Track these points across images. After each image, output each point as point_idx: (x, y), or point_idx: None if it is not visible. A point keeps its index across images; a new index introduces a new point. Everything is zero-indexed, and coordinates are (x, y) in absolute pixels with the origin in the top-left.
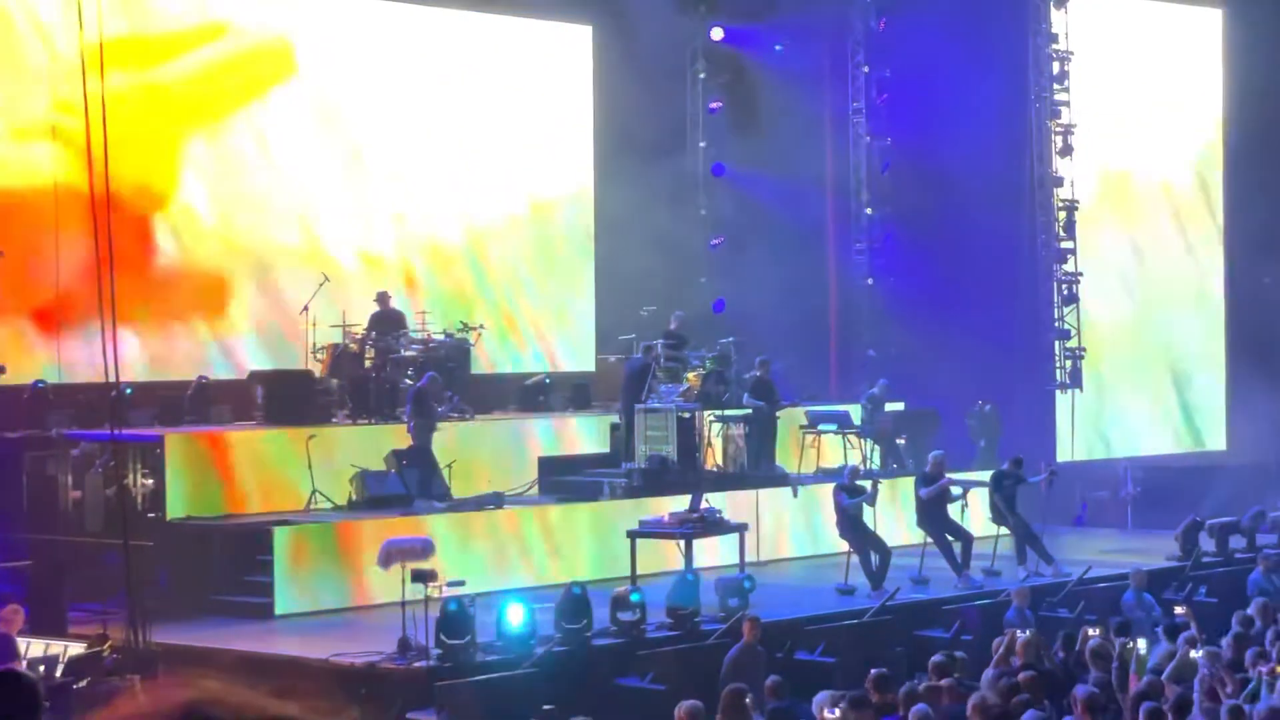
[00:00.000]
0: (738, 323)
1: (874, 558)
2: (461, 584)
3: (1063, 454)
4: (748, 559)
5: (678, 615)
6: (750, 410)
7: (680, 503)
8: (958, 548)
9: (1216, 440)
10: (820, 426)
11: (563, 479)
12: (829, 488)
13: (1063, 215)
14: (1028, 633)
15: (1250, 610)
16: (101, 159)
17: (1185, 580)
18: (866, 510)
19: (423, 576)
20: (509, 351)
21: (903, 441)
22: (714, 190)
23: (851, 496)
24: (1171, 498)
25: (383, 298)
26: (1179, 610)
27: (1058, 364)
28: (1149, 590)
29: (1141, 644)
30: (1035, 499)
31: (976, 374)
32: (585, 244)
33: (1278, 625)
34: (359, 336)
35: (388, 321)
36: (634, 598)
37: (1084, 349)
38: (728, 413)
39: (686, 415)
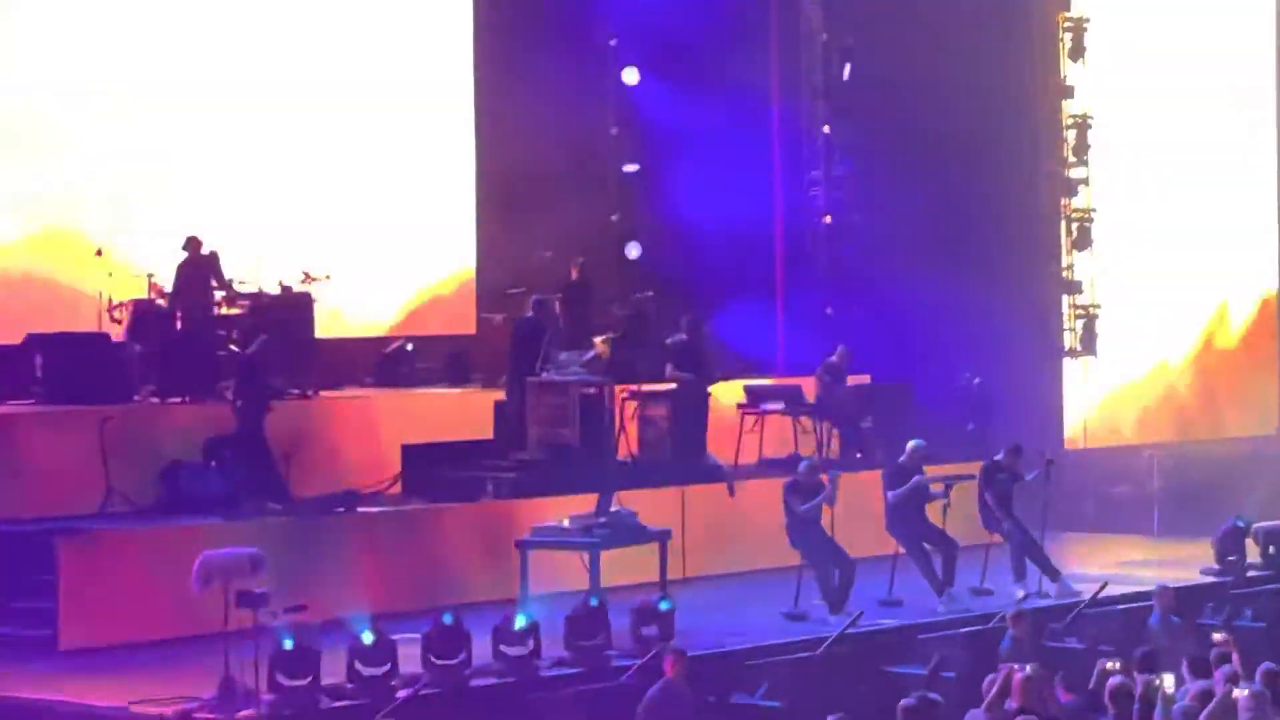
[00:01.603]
0: (658, 272)
1: (834, 574)
2: (302, 609)
3: (1073, 439)
4: (671, 575)
5: (580, 648)
6: (675, 384)
7: (585, 503)
8: (939, 560)
9: (1265, 423)
10: (764, 405)
11: (433, 473)
12: (776, 484)
13: (1072, 135)
14: (1028, 668)
15: None
16: None
17: (1225, 600)
18: (824, 513)
19: (252, 600)
20: (363, 309)
21: (868, 424)
22: (627, 102)
23: (805, 496)
24: (1208, 495)
25: (193, 242)
26: (1217, 638)
27: (1066, 325)
28: (1179, 613)
29: (1169, 680)
30: (1035, 498)
31: (963, 339)
32: (463, 170)
33: None
34: (169, 291)
35: (201, 272)
36: (523, 626)
37: (1099, 306)
38: (646, 387)
39: (592, 390)
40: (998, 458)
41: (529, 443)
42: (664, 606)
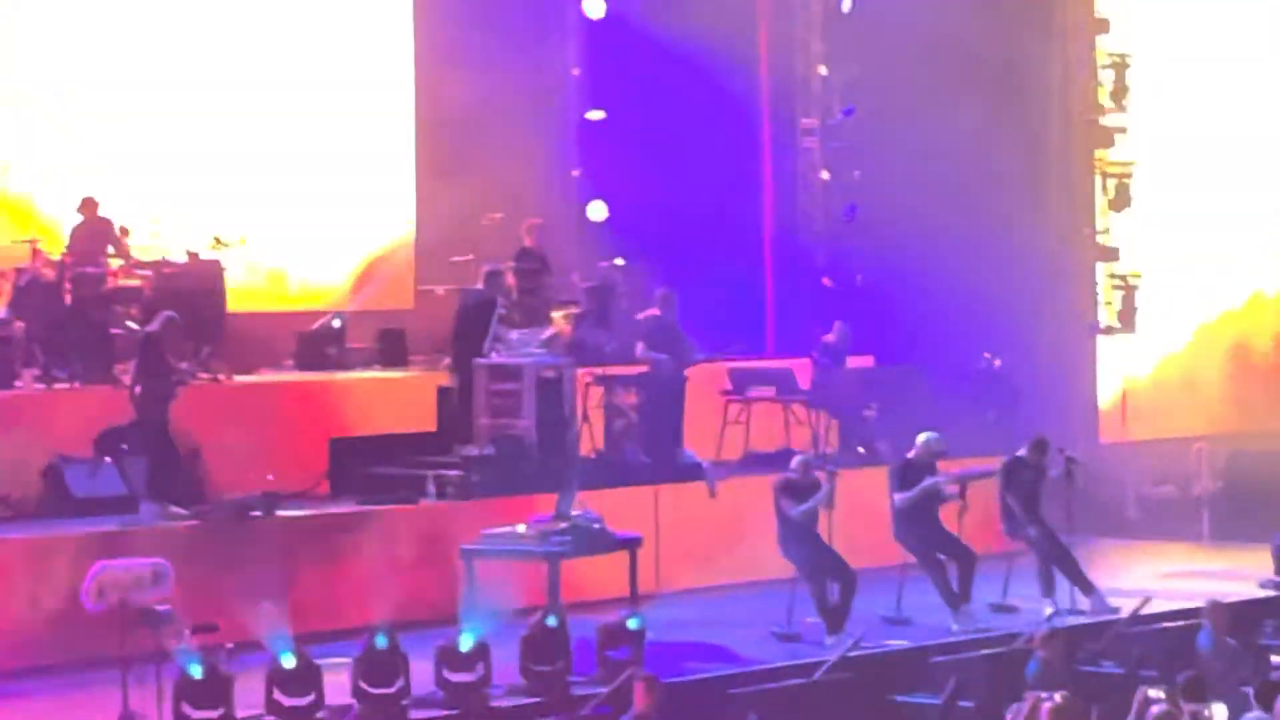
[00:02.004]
0: (628, 237)
1: (832, 587)
2: (212, 629)
3: (1109, 430)
4: (642, 589)
5: (536, 674)
6: (647, 368)
7: (543, 506)
8: (954, 572)
9: None
10: (750, 391)
11: (365, 471)
12: (765, 483)
13: (1109, 78)
14: (1057, 697)
15: None
16: None
17: None
18: (821, 517)
19: (154, 619)
20: (283, 281)
21: (872, 413)
22: (591, 40)
23: (798, 498)
24: (1268, 496)
25: (88, 203)
26: (1278, 661)
27: (1102, 298)
28: (1234, 633)
29: (1221, 711)
30: (1061, 499)
31: (980, 314)
32: (399, 118)
33: None
34: (56, 259)
35: (97, 237)
36: (470, 648)
37: (1140, 276)
38: (613, 371)
39: (552, 374)
40: (1021, 453)
41: (477, 435)
42: (634, 625)
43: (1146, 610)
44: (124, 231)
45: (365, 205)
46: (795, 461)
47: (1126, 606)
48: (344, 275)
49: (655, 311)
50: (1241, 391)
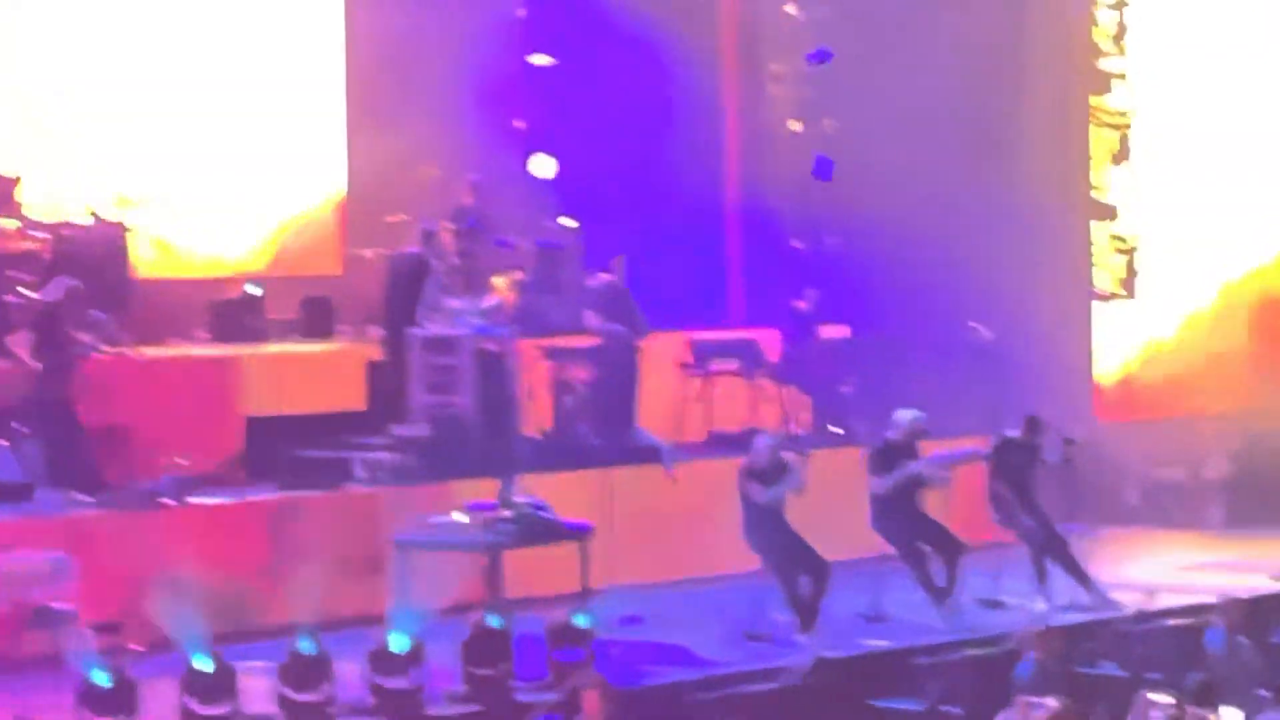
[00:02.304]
0: (578, 195)
1: (803, 581)
2: (117, 629)
3: (1110, 407)
4: (594, 584)
5: (477, 679)
6: (599, 339)
7: (483, 491)
8: (939, 564)
9: None
10: (714, 364)
11: (286, 453)
12: (729, 467)
13: (1109, 17)
14: (1052, 702)
15: None
16: None
17: None
18: (791, 504)
19: (52, 618)
20: (197, 243)
21: (848, 389)
22: None
23: (765, 482)
24: None
25: None
26: None
27: (1099, 261)
28: (1247, 631)
29: (1234, 716)
30: (1057, 483)
31: (967, 280)
32: (327, 62)
33: None
34: None
35: None
36: (404, 650)
37: (1141, 237)
38: (561, 343)
39: (494, 347)
40: (1013, 433)
41: (411, 414)
42: (584, 624)
43: (1151, 606)
44: (12, 184)
45: (287, 160)
46: (761, 442)
47: (1129, 602)
48: (263, 238)
49: (608, 276)
50: (1257, 366)
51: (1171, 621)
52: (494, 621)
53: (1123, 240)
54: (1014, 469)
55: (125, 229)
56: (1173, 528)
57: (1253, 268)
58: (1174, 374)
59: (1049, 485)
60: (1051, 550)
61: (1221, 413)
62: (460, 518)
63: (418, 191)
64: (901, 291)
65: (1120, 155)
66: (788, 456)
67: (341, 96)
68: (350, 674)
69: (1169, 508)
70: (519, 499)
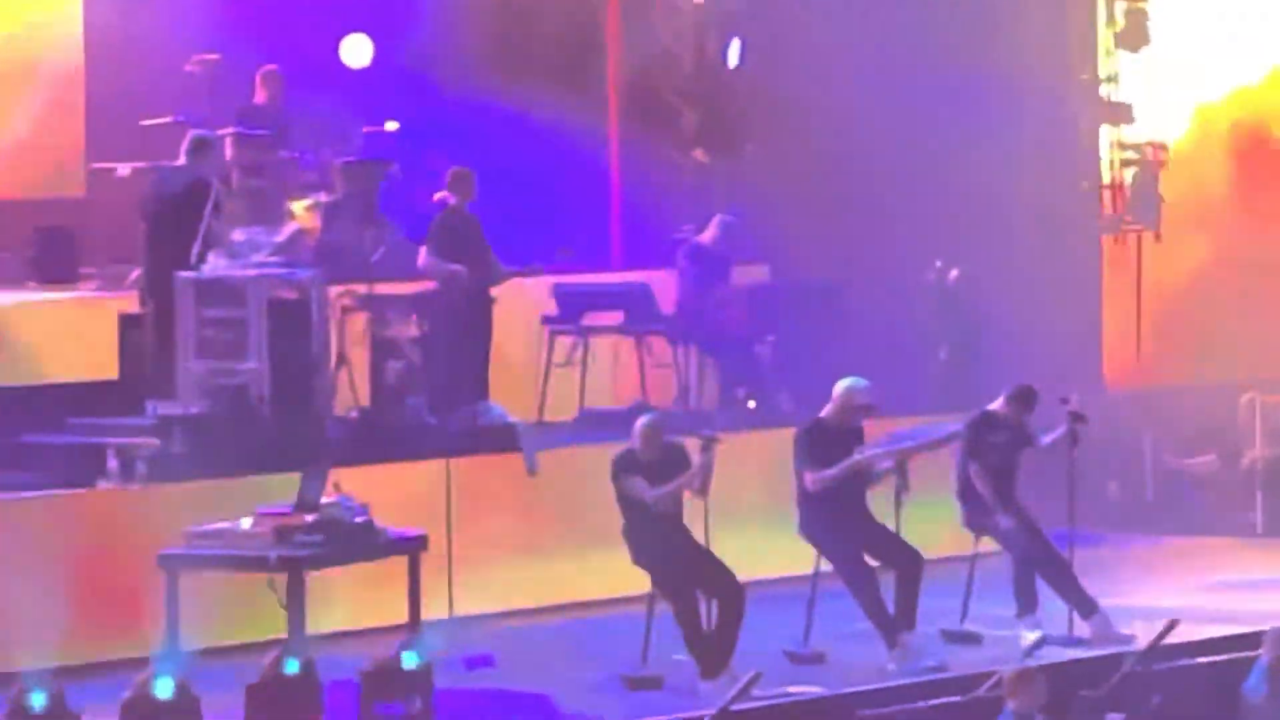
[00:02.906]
0: (405, 91)
1: (708, 608)
2: None
3: (1119, 374)
4: (429, 612)
5: None
6: (435, 283)
7: (280, 489)
8: (890, 584)
9: None
10: (588, 318)
11: (14, 440)
12: (605, 456)
13: None
14: None
15: None
16: None
17: None
18: (691, 505)
19: None
20: None
21: (767, 351)
22: None
23: (654, 476)
24: None
25: None
26: None
27: (1108, 178)
28: None
29: None
30: (1056, 475)
31: (929, 205)
32: None
33: None
34: None
35: None
36: (170, 699)
37: (1165, 147)
38: (383, 289)
39: (292, 294)
40: (994, 407)
41: (182, 387)
42: (413, 665)
43: (1171, 639)
44: None
45: (12, 39)
46: (644, 423)
47: (1142, 633)
48: None
49: (450, 200)
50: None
51: (1198, 659)
52: (292, 665)
53: (1138, 150)
54: (992, 454)
55: None
56: (1200, 533)
57: (1232, 89)
58: (1204, 330)
59: (1040, 478)
60: (1040, 563)
61: (1264, 378)
62: (247, 526)
63: (190, 83)
64: (841, 220)
65: (1135, 39)
66: (684, 442)
67: None
68: None
69: (1196, 506)
70: (327, 499)
